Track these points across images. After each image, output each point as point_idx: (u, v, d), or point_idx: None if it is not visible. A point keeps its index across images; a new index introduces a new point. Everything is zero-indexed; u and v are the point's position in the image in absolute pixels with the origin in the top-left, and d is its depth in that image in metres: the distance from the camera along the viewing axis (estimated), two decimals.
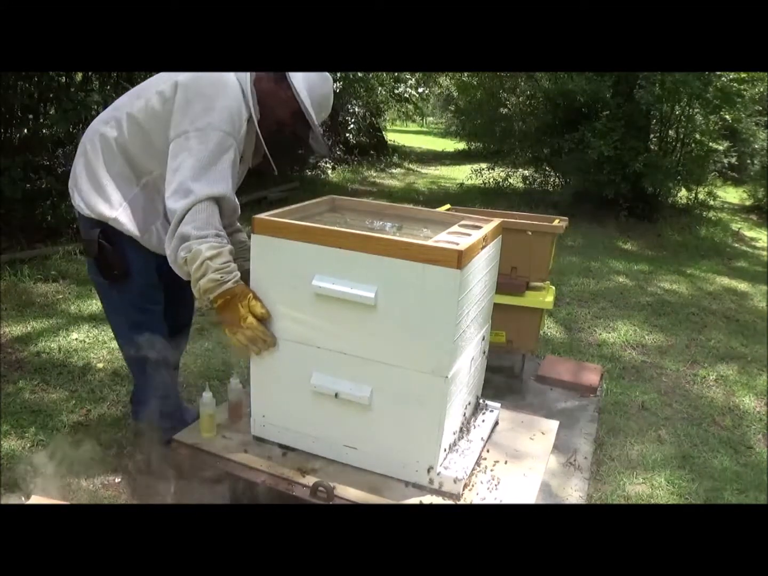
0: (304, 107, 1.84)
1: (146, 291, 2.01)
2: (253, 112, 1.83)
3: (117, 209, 1.88)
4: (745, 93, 7.44)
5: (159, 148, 1.83)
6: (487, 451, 1.95)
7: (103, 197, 1.89)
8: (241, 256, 2.20)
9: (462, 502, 1.70)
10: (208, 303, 1.72)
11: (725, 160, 7.96)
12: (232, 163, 1.77)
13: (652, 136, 7.94)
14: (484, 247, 1.77)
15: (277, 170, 1.96)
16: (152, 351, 2.07)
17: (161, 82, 1.84)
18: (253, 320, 1.70)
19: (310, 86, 1.85)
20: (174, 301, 2.21)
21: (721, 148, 7.74)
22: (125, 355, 2.20)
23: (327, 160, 9.42)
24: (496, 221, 1.95)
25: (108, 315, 2.19)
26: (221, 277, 1.68)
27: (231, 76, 1.80)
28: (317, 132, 1.90)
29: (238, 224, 2.20)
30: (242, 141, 1.83)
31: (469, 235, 1.74)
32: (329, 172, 9.39)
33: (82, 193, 1.93)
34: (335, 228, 1.71)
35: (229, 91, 1.78)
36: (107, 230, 1.90)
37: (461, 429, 1.90)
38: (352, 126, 9.46)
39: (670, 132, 7.87)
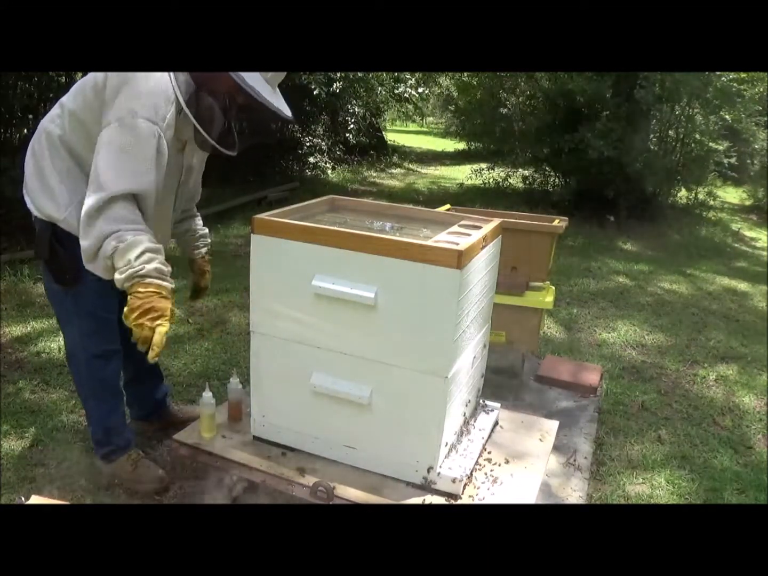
0: (235, 75, 1.63)
1: (101, 295, 1.88)
2: (178, 93, 1.67)
3: (66, 210, 1.80)
4: (745, 93, 7.44)
5: None
6: (488, 451, 1.95)
7: (51, 198, 1.82)
8: (192, 244, 2.25)
9: (462, 502, 1.70)
10: (137, 282, 1.60)
11: (725, 160, 7.95)
12: (155, 152, 1.66)
13: (652, 136, 7.93)
14: (484, 247, 1.77)
15: (230, 151, 1.80)
16: (105, 365, 2.00)
17: (98, 74, 1.75)
18: (168, 325, 1.60)
19: None
20: None
21: (721, 148, 7.74)
22: (74, 369, 2.11)
23: (327, 160, 9.42)
24: (496, 221, 1.95)
25: (62, 327, 2.08)
26: (165, 270, 1.64)
27: None
28: (261, 98, 1.66)
29: (195, 209, 2.22)
30: (171, 125, 1.70)
31: (469, 235, 1.74)
32: (329, 172, 9.39)
33: (32, 194, 1.88)
34: (335, 228, 1.71)
35: (152, 75, 1.68)
36: (58, 231, 1.83)
37: (461, 429, 1.90)
38: (352, 126, 9.45)
39: (670, 132, 7.87)
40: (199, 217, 2.29)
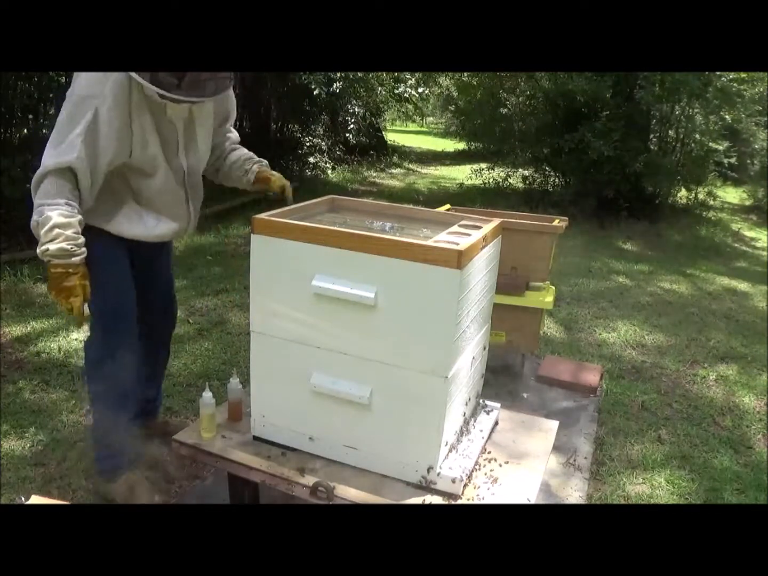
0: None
1: (119, 284, 1.97)
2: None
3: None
4: (745, 93, 7.44)
5: None
6: (488, 451, 1.95)
7: None
8: (242, 169, 2.19)
9: (462, 502, 1.70)
10: (47, 261, 1.73)
11: (725, 160, 7.96)
12: (87, 126, 1.71)
13: (652, 136, 7.94)
14: (484, 247, 1.77)
15: (196, 96, 1.76)
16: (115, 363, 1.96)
17: None
18: (80, 301, 1.75)
19: None
20: (152, 308, 2.17)
21: (721, 148, 7.74)
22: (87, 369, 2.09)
23: (327, 160, 9.42)
24: (496, 221, 1.95)
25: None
26: (71, 248, 1.71)
27: None
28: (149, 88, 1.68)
29: (227, 146, 2.19)
30: (114, 96, 1.72)
31: (469, 235, 1.74)
32: (329, 172, 9.39)
33: None
34: (335, 228, 1.71)
35: None
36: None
37: (461, 429, 1.90)
38: (352, 126, 9.46)
39: (670, 132, 7.88)
40: (240, 149, 2.21)
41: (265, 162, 2.22)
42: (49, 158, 1.72)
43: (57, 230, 1.68)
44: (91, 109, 1.71)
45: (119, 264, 1.99)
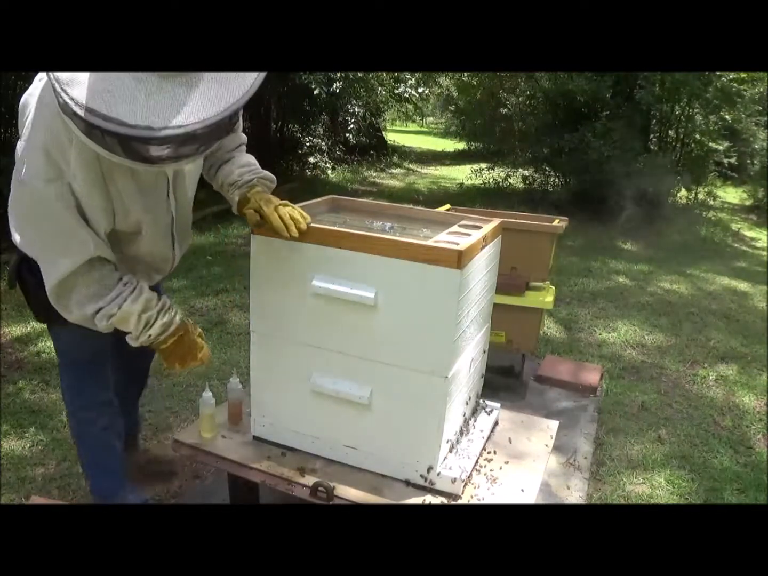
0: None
1: (86, 337, 1.66)
2: (72, 126, 1.31)
3: None
4: (745, 93, 7.46)
5: None
6: (487, 451, 1.95)
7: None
8: (232, 193, 1.76)
9: (461, 502, 1.70)
10: (153, 343, 1.61)
11: (725, 160, 7.97)
12: (72, 209, 1.44)
13: (652, 136, 7.95)
14: (484, 247, 1.77)
15: (141, 163, 1.32)
16: (95, 420, 1.88)
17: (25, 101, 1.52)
18: (206, 352, 1.75)
19: None
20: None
21: (721, 148, 7.76)
22: (69, 412, 1.99)
23: (327, 160, 9.42)
24: (496, 221, 1.95)
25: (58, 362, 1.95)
26: (168, 318, 1.60)
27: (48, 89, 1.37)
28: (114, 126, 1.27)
29: (228, 155, 1.80)
30: (86, 167, 1.43)
31: (469, 235, 1.74)
32: (329, 172, 9.39)
33: (12, 219, 1.61)
34: (335, 228, 1.71)
35: (45, 112, 1.42)
36: (30, 259, 1.59)
37: (461, 429, 1.90)
38: (352, 126, 9.45)
39: (670, 132, 7.89)
40: (231, 162, 1.77)
41: (253, 179, 1.74)
42: (59, 265, 1.46)
43: (144, 316, 1.54)
44: (66, 192, 1.43)
45: (102, 353, 1.84)
